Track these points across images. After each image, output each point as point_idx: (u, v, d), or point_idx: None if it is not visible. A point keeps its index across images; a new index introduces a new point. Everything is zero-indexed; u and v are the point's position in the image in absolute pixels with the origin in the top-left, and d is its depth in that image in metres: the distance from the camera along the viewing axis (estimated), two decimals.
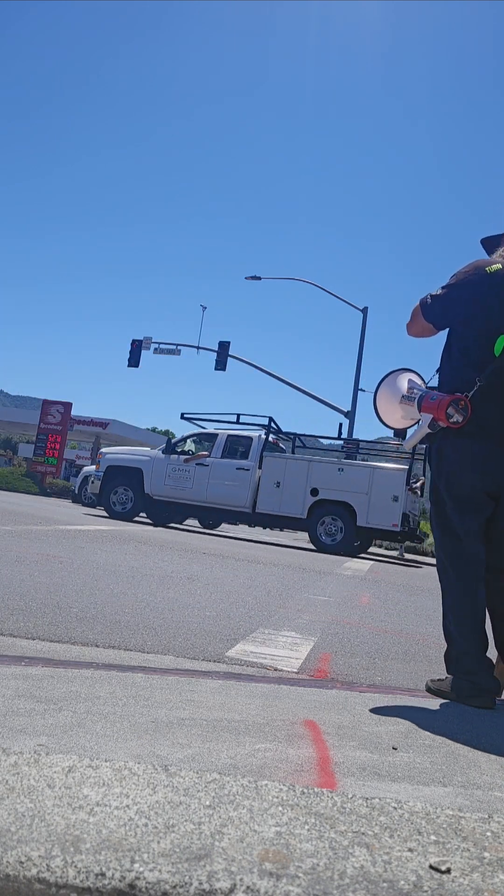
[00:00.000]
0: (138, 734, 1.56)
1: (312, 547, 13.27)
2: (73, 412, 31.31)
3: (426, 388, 2.63)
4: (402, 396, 2.61)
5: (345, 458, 15.70)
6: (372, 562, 13.10)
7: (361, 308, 25.53)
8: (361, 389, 26.29)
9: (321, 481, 13.08)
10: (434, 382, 2.70)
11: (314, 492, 13.06)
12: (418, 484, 14.08)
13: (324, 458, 14.26)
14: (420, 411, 2.50)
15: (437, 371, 2.69)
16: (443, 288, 2.61)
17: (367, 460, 15.09)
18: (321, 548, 12.98)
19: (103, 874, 0.91)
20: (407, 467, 13.21)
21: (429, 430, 2.47)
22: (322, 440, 15.11)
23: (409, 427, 2.86)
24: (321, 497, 13.02)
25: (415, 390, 2.57)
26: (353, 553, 13.92)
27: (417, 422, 2.65)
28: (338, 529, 12.97)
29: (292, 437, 15.06)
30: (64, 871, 0.91)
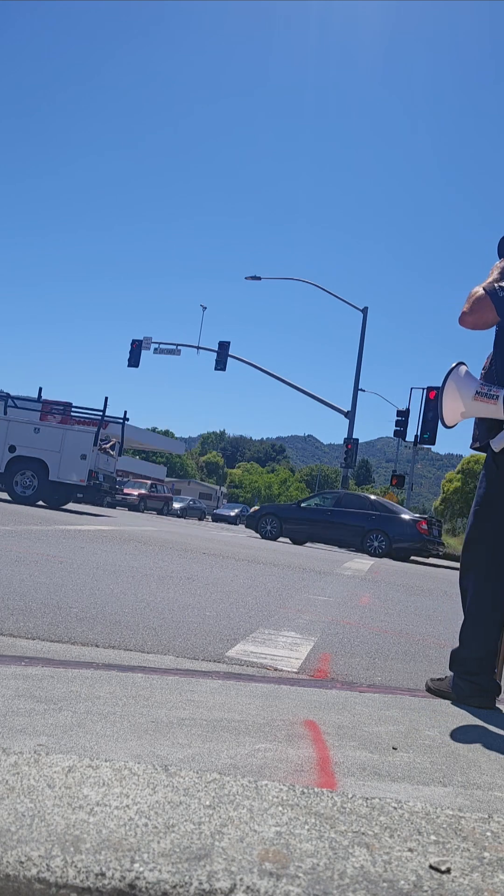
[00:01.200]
0: (138, 734, 1.56)
1: (326, 546, 13.34)
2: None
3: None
4: (477, 392, 2.48)
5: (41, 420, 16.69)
6: (372, 562, 13.11)
7: (361, 308, 25.55)
8: (361, 389, 26.29)
9: (19, 439, 14.52)
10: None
11: (12, 448, 14.50)
12: (108, 444, 15.22)
13: (21, 418, 15.30)
14: None
15: (491, 365, 2.58)
16: None
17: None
18: (16, 499, 14.32)
19: (103, 874, 0.91)
20: (95, 429, 14.59)
21: None
22: (35, 402, 16.45)
23: (456, 424, 2.76)
24: (18, 454, 14.47)
25: (492, 387, 2.47)
26: (54, 506, 14.99)
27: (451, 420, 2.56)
28: (32, 484, 14.44)
29: (3, 397, 16.16)
30: (64, 871, 0.91)
